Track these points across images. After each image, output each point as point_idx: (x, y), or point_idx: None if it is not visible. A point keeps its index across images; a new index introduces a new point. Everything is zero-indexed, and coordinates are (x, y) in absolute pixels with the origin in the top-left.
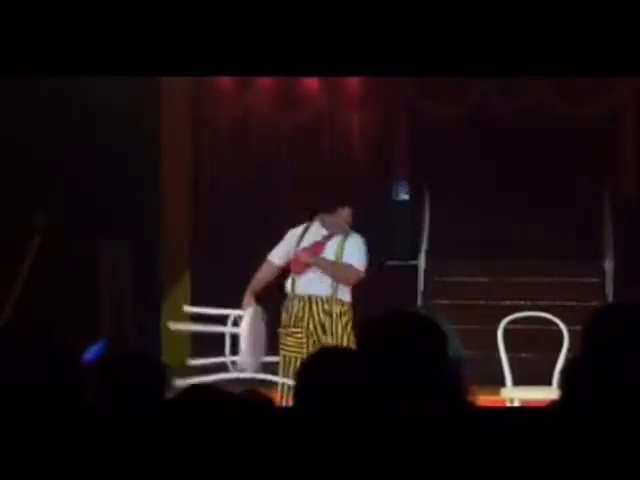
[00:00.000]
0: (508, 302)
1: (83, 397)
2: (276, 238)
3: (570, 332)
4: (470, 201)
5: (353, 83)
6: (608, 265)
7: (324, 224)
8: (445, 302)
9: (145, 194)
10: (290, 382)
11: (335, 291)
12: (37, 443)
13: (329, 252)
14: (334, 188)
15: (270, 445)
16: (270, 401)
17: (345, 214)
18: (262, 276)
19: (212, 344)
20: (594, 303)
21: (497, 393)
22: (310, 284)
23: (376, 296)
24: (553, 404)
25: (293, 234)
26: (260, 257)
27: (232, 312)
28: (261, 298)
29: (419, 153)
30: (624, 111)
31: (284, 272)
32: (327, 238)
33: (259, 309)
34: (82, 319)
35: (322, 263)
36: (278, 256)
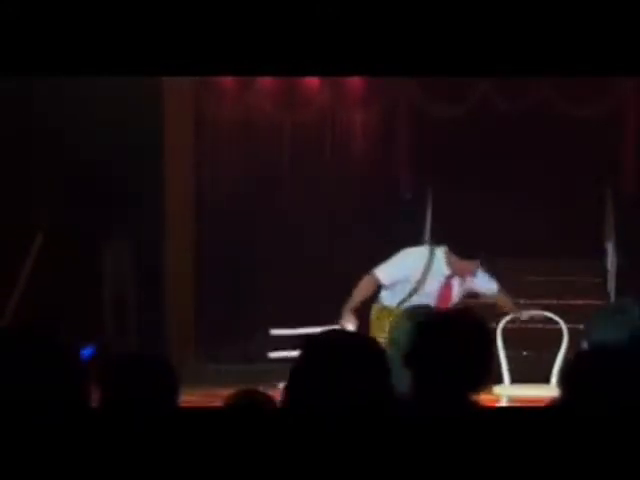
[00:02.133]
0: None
1: (87, 398)
2: (279, 237)
3: (572, 331)
4: (471, 200)
5: (355, 82)
6: (610, 264)
7: (449, 263)
8: None
9: (148, 194)
10: None
11: None
12: (41, 444)
13: (455, 293)
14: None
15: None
16: (271, 401)
17: (474, 266)
18: (364, 292)
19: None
20: (596, 302)
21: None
22: None
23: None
24: (551, 403)
25: (413, 261)
26: (262, 258)
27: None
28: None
29: (421, 152)
30: (625, 110)
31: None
32: (450, 277)
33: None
34: (84, 319)
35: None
36: (391, 275)
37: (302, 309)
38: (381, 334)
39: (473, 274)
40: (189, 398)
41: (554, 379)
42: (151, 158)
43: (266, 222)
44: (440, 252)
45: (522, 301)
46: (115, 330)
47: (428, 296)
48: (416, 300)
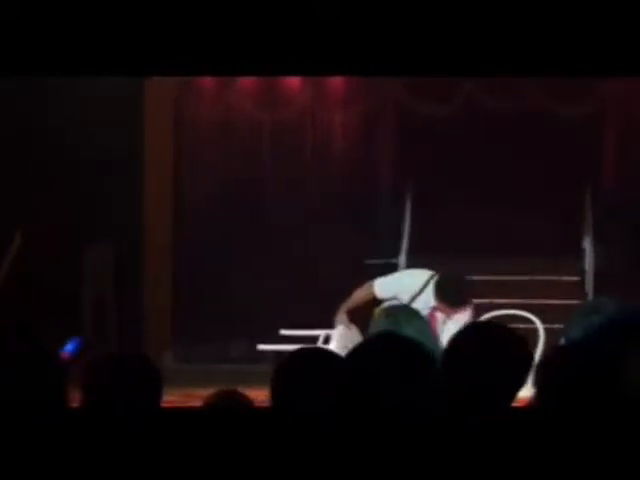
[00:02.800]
0: (487, 300)
1: (66, 398)
2: (258, 236)
3: (549, 331)
4: (452, 200)
5: (337, 81)
6: (588, 264)
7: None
8: None
9: (127, 194)
10: None
11: None
12: (22, 445)
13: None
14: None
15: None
16: (249, 402)
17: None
18: (359, 299)
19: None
20: (574, 302)
21: None
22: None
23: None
24: (527, 402)
25: (409, 283)
26: (240, 257)
27: (322, 332)
28: (357, 316)
29: (403, 152)
30: (606, 110)
31: None
32: (435, 310)
33: (353, 327)
34: (63, 319)
35: None
36: (385, 290)
37: (282, 308)
38: None
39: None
40: (169, 398)
41: (530, 380)
42: (131, 158)
43: (245, 222)
44: (432, 284)
45: (500, 300)
46: (94, 330)
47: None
48: None
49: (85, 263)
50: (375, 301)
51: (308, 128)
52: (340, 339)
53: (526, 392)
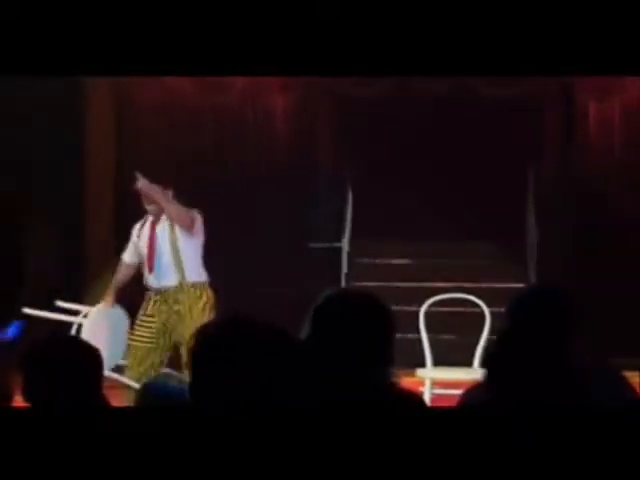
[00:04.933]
0: (431, 284)
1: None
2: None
3: (493, 314)
4: (393, 183)
5: None
6: (530, 248)
7: (149, 210)
8: (369, 284)
9: (68, 176)
10: (136, 386)
11: (184, 277)
12: None
13: (162, 237)
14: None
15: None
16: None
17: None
18: (119, 276)
19: None
20: (517, 285)
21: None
22: (159, 277)
23: (299, 278)
24: (475, 385)
25: (134, 229)
26: None
27: (88, 309)
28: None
29: (341, 136)
30: (548, 93)
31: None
32: (154, 222)
33: (114, 308)
34: (3, 301)
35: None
36: (128, 254)
37: (223, 295)
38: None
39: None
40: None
41: (476, 362)
42: (72, 141)
43: (188, 207)
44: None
45: (444, 284)
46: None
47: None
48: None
49: (25, 245)
50: (129, 268)
51: (249, 112)
52: (93, 317)
53: (473, 375)
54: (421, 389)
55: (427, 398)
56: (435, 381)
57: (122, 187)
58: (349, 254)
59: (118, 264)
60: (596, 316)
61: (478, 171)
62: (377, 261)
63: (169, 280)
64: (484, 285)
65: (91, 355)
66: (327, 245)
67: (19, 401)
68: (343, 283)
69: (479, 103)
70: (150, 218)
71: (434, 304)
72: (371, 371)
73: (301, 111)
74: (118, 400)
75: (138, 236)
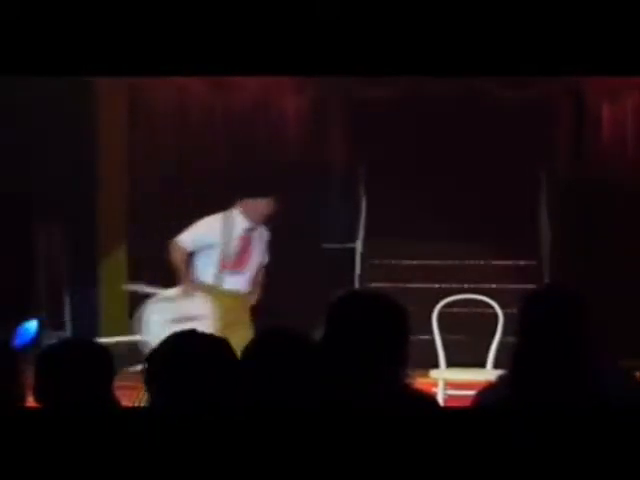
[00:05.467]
0: (445, 285)
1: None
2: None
3: (507, 315)
4: (407, 184)
5: None
6: (544, 248)
7: (246, 213)
8: (382, 285)
9: (82, 176)
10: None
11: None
12: None
13: (256, 247)
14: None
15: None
16: None
17: (267, 205)
18: (180, 261)
19: None
20: (531, 286)
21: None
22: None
23: (313, 279)
24: (488, 386)
25: (211, 225)
26: None
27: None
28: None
29: (355, 136)
30: (559, 94)
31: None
32: (250, 230)
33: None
34: (17, 303)
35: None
36: (191, 241)
37: None
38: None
39: (266, 217)
40: (122, 383)
41: (489, 363)
42: (85, 141)
43: (198, 206)
44: (235, 209)
45: (458, 285)
46: (49, 314)
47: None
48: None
49: (36, 246)
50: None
51: (261, 112)
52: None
53: (486, 376)
54: (434, 390)
55: (440, 399)
56: (448, 382)
57: (134, 187)
58: (362, 255)
59: (176, 248)
60: (609, 317)
61: (490, 172)
62: (391, 262)
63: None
64: (498, 286)
65: (101, 356)
66: (341, 246)
67: (32, 402)
68: (357, 284)
69: (490, 104)
70: (244, 224)
71: (447, 305)
72: (385, 372)
73: (313, 111)
74: (129, 400)
75: (225, 237)
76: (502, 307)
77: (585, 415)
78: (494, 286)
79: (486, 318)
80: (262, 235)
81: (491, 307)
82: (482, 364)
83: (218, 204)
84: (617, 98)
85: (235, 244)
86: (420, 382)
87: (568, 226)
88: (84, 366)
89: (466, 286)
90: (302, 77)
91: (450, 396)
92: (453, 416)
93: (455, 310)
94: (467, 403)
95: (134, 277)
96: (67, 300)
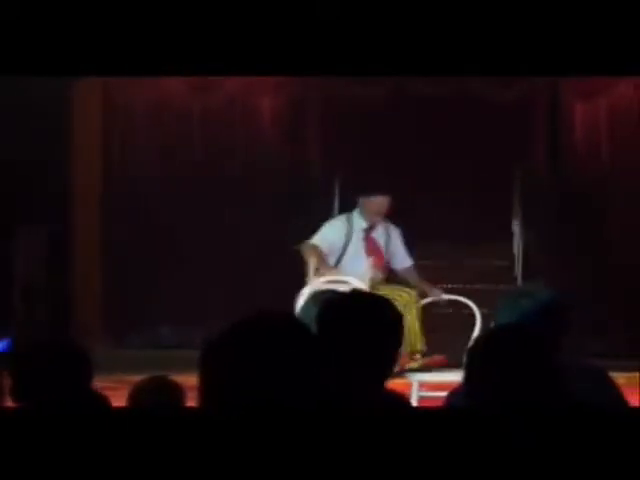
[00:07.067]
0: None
1: None
2: (187, 221)
3: (483, 316)
4: (380, 185)
5: None
6: (517, 248)
7: (363, 213)
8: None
9: (54, 178)
10: None
11: None
12: None
13: (379, 243)
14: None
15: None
16: (179, 387)
17: (385, 202)
18: (316, 259)
19: None
20: (502, 286)
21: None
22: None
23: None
24: (459, 387)
25: (333, 227)
26: (170, 243)
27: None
28: None
29: (332, 137)
30: (535, 95)
31: None
32: (369, 230)
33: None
34: None
35: None
36: (324, 240)
37: (211, 297)
38: None
39: (382, 214)
40: (99, 384)
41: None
42: (59, 141)
43: (174, 207)
44: (355, 211)
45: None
46: (24, 315)
47: (354, 256)
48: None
49: (16, 247)
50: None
51: (237, 112)
52: None
53: (460, 376)
54: (408, 392)
55: (414, 400)
56: (422, 383)
57: (108, 188)
58: None
59: (312, 250)
60: (580, 316)
61: (468, 172)
62: None
63: None
64: (474, 287)
65: (77, 356)
66: None
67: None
68: None
69: (466, 103)
70: (364, 224)
71: (432, 304)
72: (367, 373)
73: (290, 111)
74: (120, 400)
75: (345, 240)
76: (479, 307)
77: (550, 414)
78: (471, 286)
79: (463, 318)
80: (382, 235)
81: (468, 307)
82: (458, 365)
83: (194, 206)
84: (591, 98)
85: (359, 245)
86: (394, 383)
87: (541, 227)
88: (61, 364)
89: (439, 287)
90: (293, 77)
91: (424, 397)
92: (424, 416)
93: (434, 311)
94: (440, 404)
95: (107, 279)
96: (43, 301)
